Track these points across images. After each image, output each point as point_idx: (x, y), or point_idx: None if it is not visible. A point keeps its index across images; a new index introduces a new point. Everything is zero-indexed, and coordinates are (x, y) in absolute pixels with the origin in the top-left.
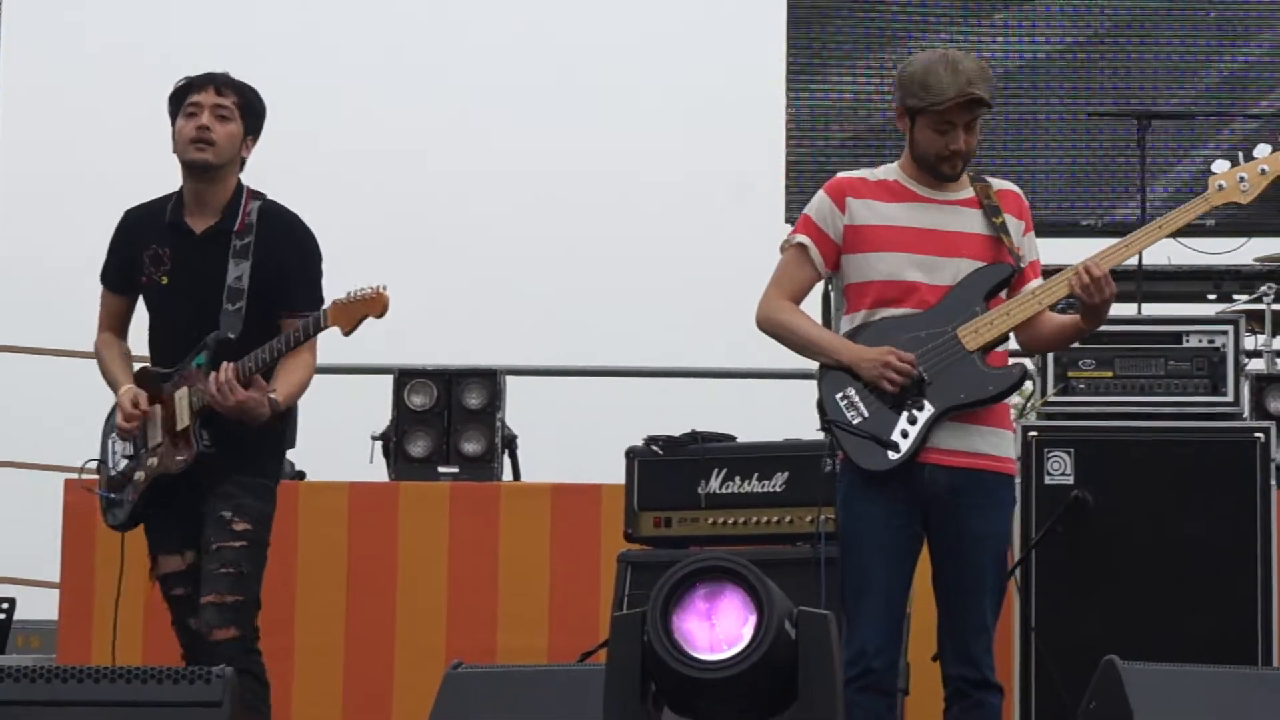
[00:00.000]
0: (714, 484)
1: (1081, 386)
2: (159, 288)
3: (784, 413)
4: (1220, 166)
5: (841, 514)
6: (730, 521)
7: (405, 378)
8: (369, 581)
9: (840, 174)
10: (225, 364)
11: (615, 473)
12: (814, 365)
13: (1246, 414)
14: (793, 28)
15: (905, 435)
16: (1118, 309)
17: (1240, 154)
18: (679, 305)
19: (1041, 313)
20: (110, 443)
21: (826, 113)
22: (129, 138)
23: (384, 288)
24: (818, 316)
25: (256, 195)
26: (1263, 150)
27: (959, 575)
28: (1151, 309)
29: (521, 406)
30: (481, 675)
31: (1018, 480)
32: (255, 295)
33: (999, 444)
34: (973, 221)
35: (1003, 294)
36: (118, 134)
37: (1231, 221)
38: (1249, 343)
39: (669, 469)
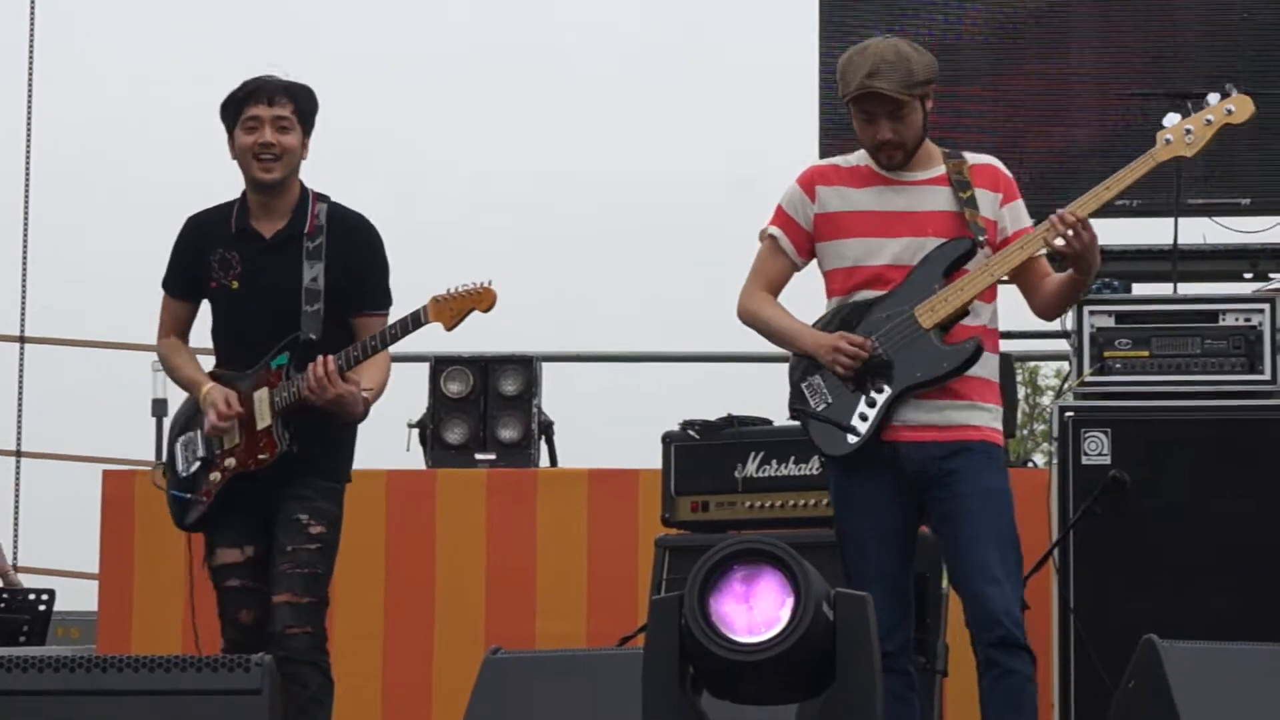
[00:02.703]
0: (751, 468)
1: (1118, 366)
2: (229, 292)
3: None
4: (1169, 120)
5: (833, 500)
6: (767, 505)
7: (441, 365)
8: (407, 569)
9: (815, 162)
10: (325, 357)
11: (652, 458)
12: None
13: None
14: (825, 39)
15: (864, 418)
16: (1153, 289)
17: (1189, 104)
18: (714, 289)
19: (1044, 274)
20: (180, 445)
21: None
22: (161, 132)
23: (490, 282)
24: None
25: (321, 197)
26: (1212, 99)
27: (954, 533)
28: (1187, 288)
29: (558, 392)
30: (520, 661)
31: (1054, 462)
32: (330, 296)
33: (975, 415)
34: (940, 199)
35: (970, 267)
36: (148, 127)
37: (1267, 200)
38: None
39: (705, 453)
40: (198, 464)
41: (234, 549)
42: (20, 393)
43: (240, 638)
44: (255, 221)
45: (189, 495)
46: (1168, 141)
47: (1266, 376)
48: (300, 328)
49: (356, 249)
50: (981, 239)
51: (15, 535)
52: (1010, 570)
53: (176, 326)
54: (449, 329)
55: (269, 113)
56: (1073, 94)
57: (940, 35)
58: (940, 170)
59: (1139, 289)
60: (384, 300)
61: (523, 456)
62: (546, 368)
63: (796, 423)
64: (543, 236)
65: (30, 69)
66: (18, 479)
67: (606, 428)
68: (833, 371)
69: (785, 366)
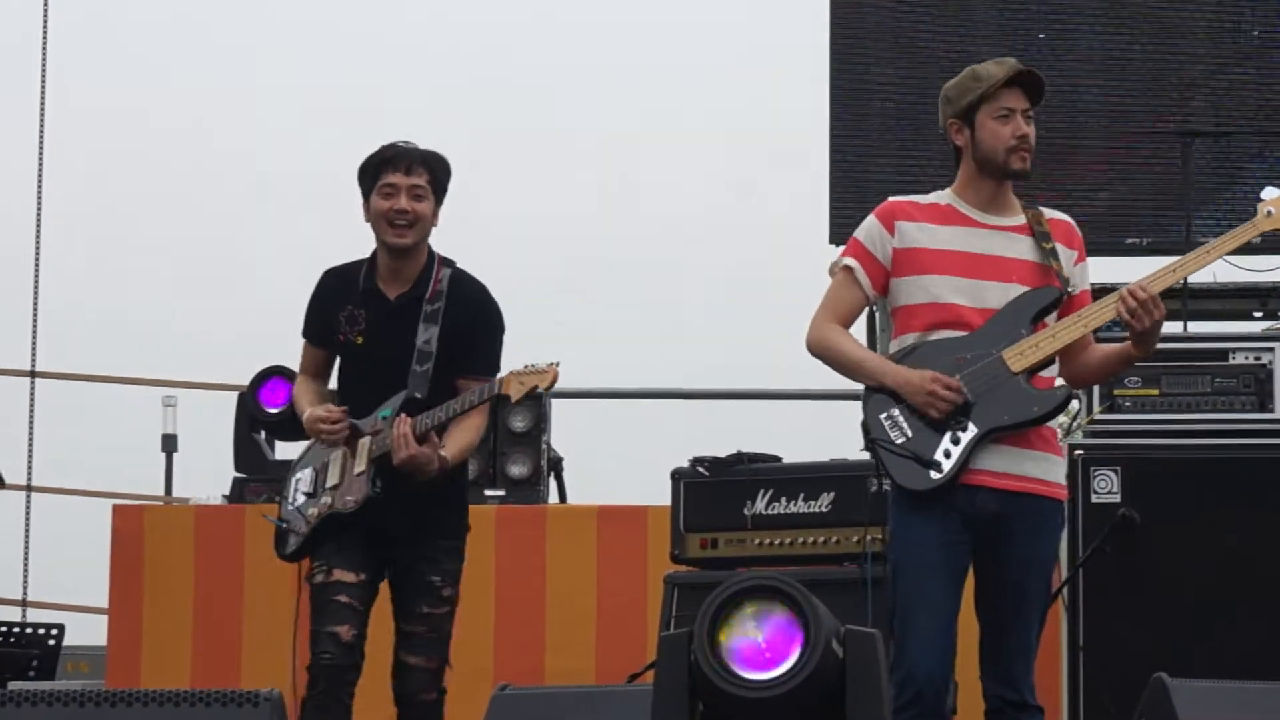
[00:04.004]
0: (760, 505)
1: (1128, 404)
2: (354, 347)
3: (829, 434)
4: (1270, 194)
5: (894, 535)
6: (777, 542)
7: None
8: None
9: (891, 198)
10: (403, 417)
11: (661, 494)
12: (859, 386)
13: None
14: (836, 64)
15: (948, 455)
16: (1164, 327)
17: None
18: (724, 327)
19: (1087, 344)
20: (294, 480)
21: (870, 150)
22: (173, 170)
23: (556, 364)
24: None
25: (447, 263)
26: None
27: (1004, 597)
28: (1197, 327)
29: (567, 429)
30: (529, 697)
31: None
32: (441, 358)
33: (1049, 469)
34: (1023, 248)
35: (1050, 318)
36: (161, 165)
37: (1278, 239)
38: None
39: (715, 490)
40: (303, 498)
41: (351, 572)
42: (31, 427)
43: (335, 651)
44: (382, 282)
45: (289, 525)
46: (1269, 214)
47: (1276, 415)
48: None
49: (470, 315)
50: (1070, 290)
51: (25, 569)
52: (1035, 640)
53: (311, 369)
54: (515, 402)
55: (405, 181)
56: (1080, 131)
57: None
58: (1021, 219)
59: None
60: (490, 367)
61: (532, 493)
62: (556, 404)
63: (806, 460)
64: (551, 273)
65: (42, 105)
66: (28, 513)
67: (616, 464)
68: (924, 412)
69: (793, 405)
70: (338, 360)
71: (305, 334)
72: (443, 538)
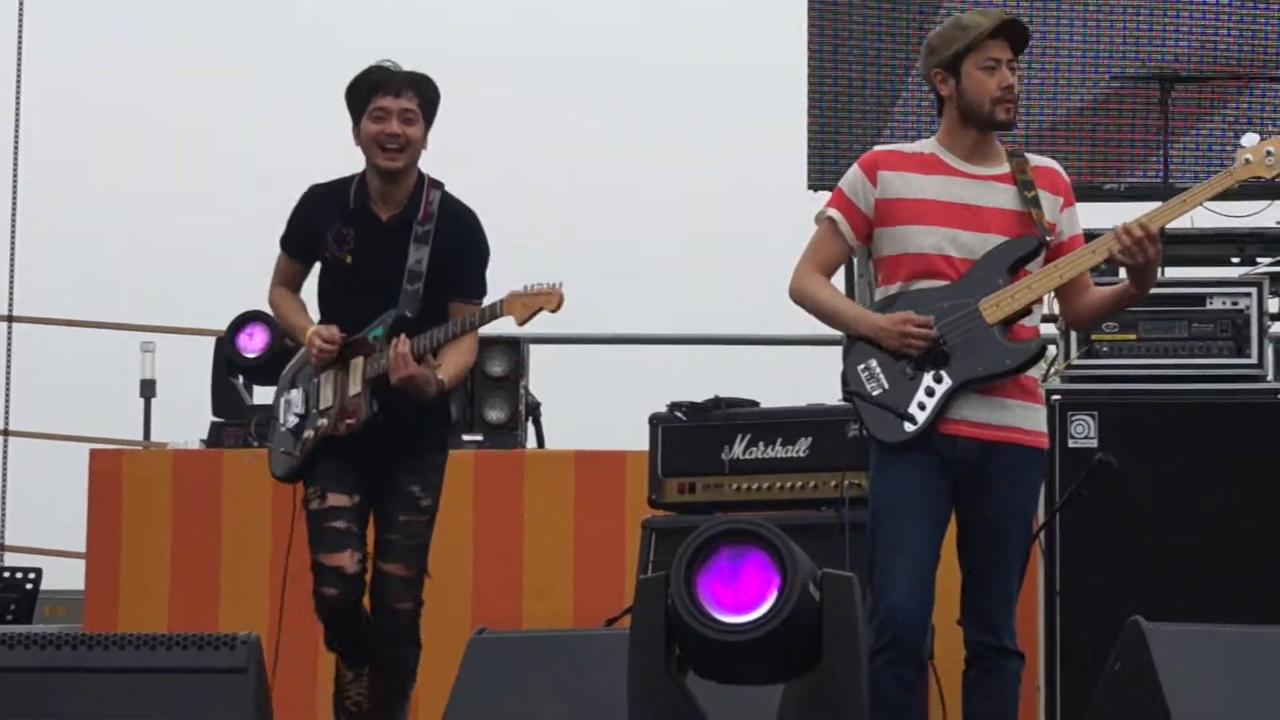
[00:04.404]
0: (738, 449)
1: (1105, 349)
2: (341, 265)
3: (807, 379)
4: (1249, 140)
5: (874, 479)
6: (754, 487)
7: None
8: None
9: (875, 147)
10: (402, 337)
11: (639, 439)
12: (837, 331)
13: (1270, 376)
14: (814, 11)
15: (922, 407)
16: None
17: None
18: (701, 272)
19: (1085, 285)
20: (283, 400)
21: (847, 95)
22: (156, 114)
23: (560, 284)
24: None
25: (436, 184)
26: None
27: (985, 542)
28: (1174, 272)
29: (545, 374)
30: (506, 641)
31: None
32: (431, 279)
33: (1029, 416)
34: (1005, 197)
35: (1030, 267)
36: (143, 107)
37: (1256, 184)
38: (1273, 305)
39: (693, 435)
40: (294, 419)
41: (345, 495)
42: (8, 372)
43: (341, 587)
44: (373, 203)
45: (283, 448)
46: (1247, 161)
47: (1253, 360)
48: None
49: (460, 237)
50: (1048, 239)
51: (2, 513)
52: (1016, 586)
53: (288, 281)
54: (520, 324)
55: (396, 104)
56: (1060, 70)
57: (926, 18)
58: (1005, 168)
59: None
60: (478, 289)
61: (510, 438)
62: (534, 349)
63: (784, 405)
64: (528, 219)
65: (19, 47)
66: (5, 458)
67: (593, 409)
68: (902, 352)
69: (771, 350)
70: (317, 275)
71: (286, 247)
72: (425, 450)
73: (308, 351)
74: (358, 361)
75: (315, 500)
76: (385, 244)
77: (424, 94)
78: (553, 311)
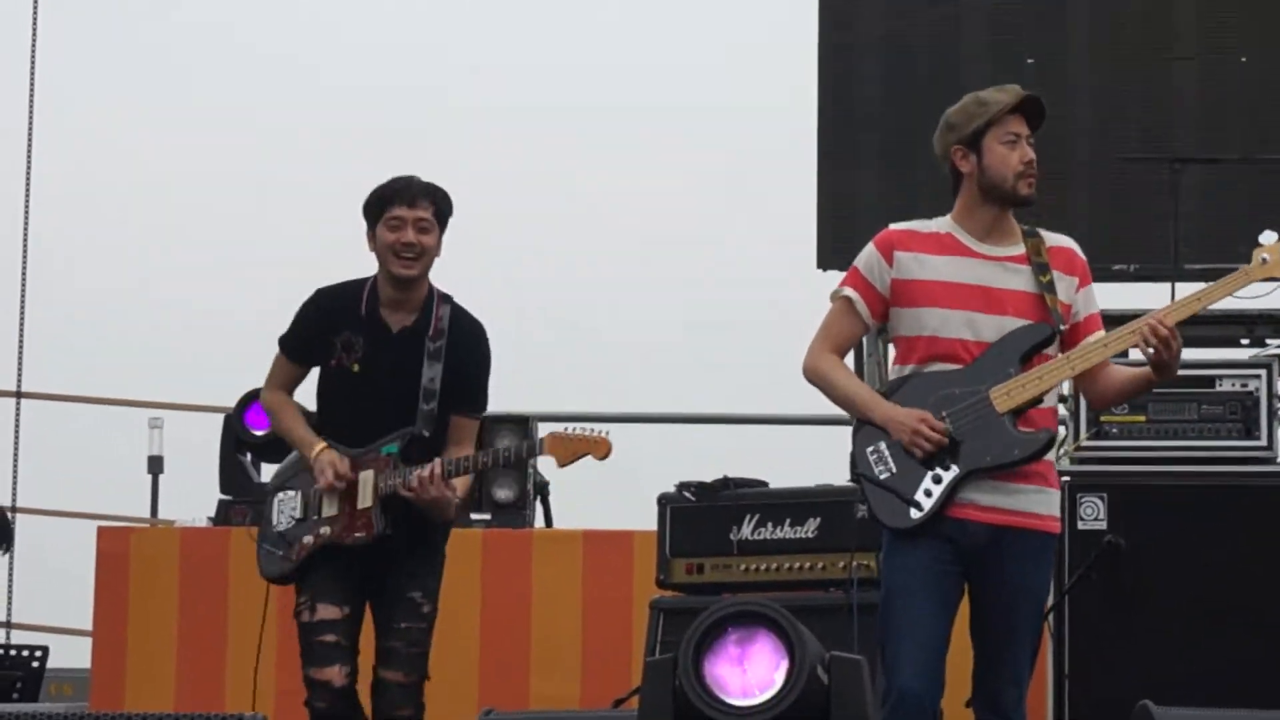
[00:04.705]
0: (746, 530)
1: (1114, 431)
2: (348, 373)
3: (816, 459)
4: (1268, 239)
5: (886, 561)
6: (763, 567)
7: None
8: None
9: (891, 226)
10: (437, 460)
11: (648, 519)
12: (843, 411)
13: None
14: (824, 93)
15: (929, 494)
16: None
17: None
18: (710, 351)
19: (1105, 371)
20: (277, 500)
21: (857, 177)
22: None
23: (606, 433)
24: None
25: (446, 298)
26: None
27: (997, 625)
28: (1184, 353)
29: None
30: None
31: None
32: (442, 396)
33: (1042, 501)
34: (1021, 279)
35: (1049, 351)
36: (150, 184)
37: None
38: None
39: (701, 515)
40: (290, 522)
41: (335, 607)
42: (16, 448)
43: (329, 700)
44: (384, 312)
45: (279, 551)
46: (1264, 261)
47: (1263, 442)
48: (413, 422)
49: (470, 353)
50: (1063, 327)
51: (9, 591)
52: (1028, 669)
53: (286, 384)
54: (560, 466)
55: (411, 214)
56: (1068, 156)
57: (938, 98)
58: (1020, 249)
59: (1135, 353)
60: (481, 404)
61: (518, 517)
62: (543, 427)
63: (793, 485)
64: (538, 296)
65: (30, 121)
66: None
67: (602, 489)
68: (908, 451)
69: (780, 430)
70: (320, 383)
71: (287, 349)
72: (427, 555)
73: (315, 475)
74: (368, 475)
75: (305, 612)
76: (395, 356)
77: (438, 204)
78: (599, 460)
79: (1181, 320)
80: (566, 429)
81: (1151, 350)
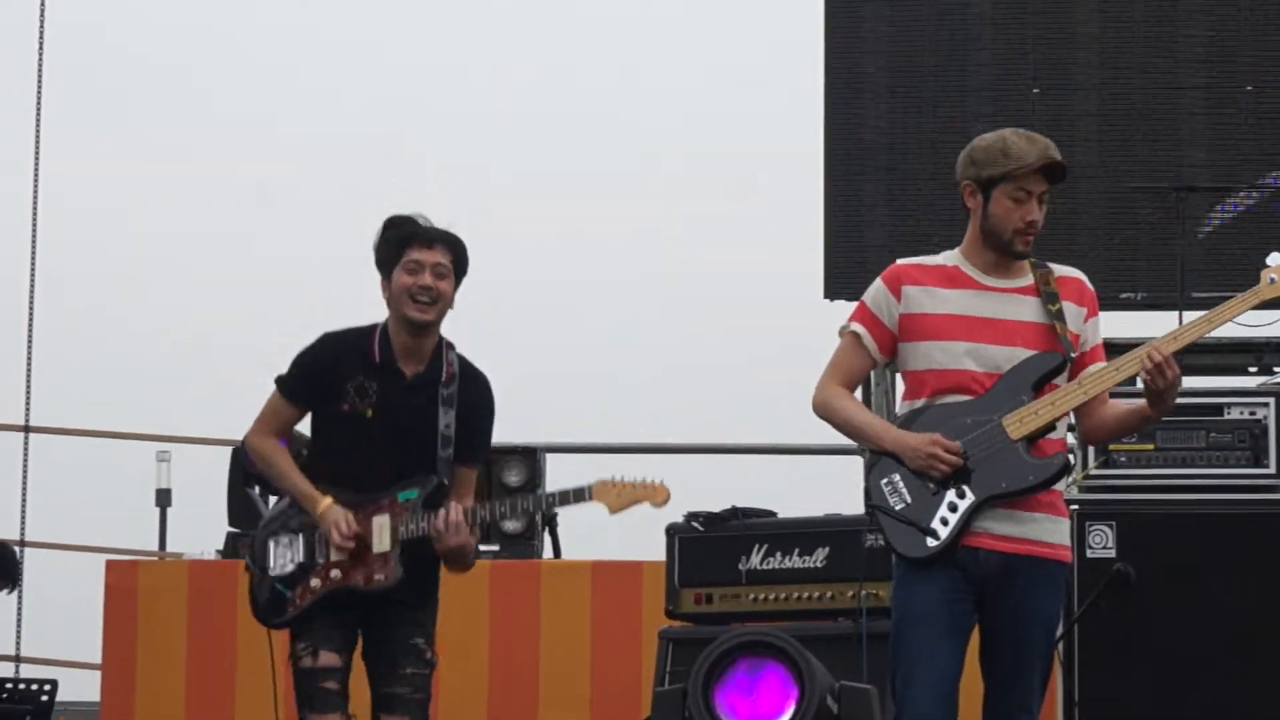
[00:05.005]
0: (755, 560)
1: (1123, 459)
2: (361, 419)
3: (825, 488)
4: (1275, 260)
5: (897, 590)
6: (772, 597)
7: None
8: None
9: (899, 260)
10: (457, 505)
11: (656, 549)
12: (854, 442)
13: None
14: (830, 122)
15: (945, 523)
16: None
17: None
18: (718, 381)
19: (1103, 401)
20: (273, 542)
21: (863, 206)
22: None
23: (662, 482)
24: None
25: (450, 345)
26: None
27: (1008, 654)
28: (1192, 381)
29: (562, 483)
30: None
31: None
32: (455, 443)
33: (1053, 530)
34: (1029, 310)
35: (1059, 381)
36: (157, 213)
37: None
38: None
39: (710, 545)
40: (292, 567)
41: (335, 654)
42: (24, 481)
43: None
44: (397, 358)
45: (286, 595)
46: (1272, 281)
47: (1271, 470)
48: (429, 468)
49: (478, 402)
50: (1073, 355)
51: (18, 624)
52: (1038, 698)
53: (279, 428)
54: (613, 513)
55: (430, 258)
56: (1075, 185)
57: (943, 126)
58: (1028, 280)
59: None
60: (484, 457)
61: (526, 548)
62: (550, 459)
63: (801, 515)
64: (546, 327)
65: (37, 152)
66: (21, 568)
67: (610, 519)
68: (925, 475)
69: (788, 460)
70: (321, 427)
71: (288, 391)
72: (424, 601)
73: (327, 532)
74: (383, 521)
75: (308, 658)
76: (409, 401)
77: (456, 252)
78: (656, 507)
79: (1187, 345)
80: (618, 476)
81: (1149, 377)
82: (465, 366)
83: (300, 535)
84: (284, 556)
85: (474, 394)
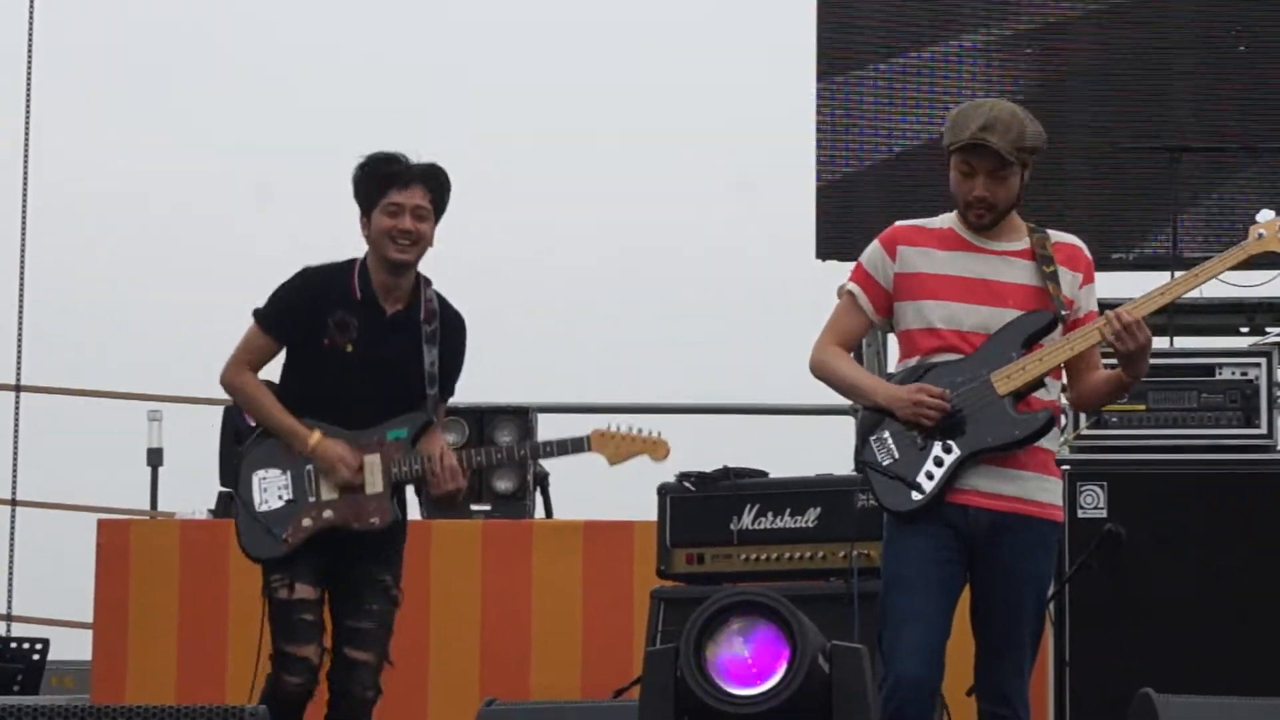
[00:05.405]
0: (746, 520)
1: (1114, 420)
2: (341, 354)
3: (816, 449)
4: (1264, 216)
5: (887, 548)
6: (763, 557)
7: None
8: (402, 619)
9: (898, 222)
10: (449, 450)
11: (648, 509)
12: (845, 400)
13: None
14: (822, 81)
15: (930, 476)
16: (1152, 343)
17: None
18: (710, 341)
19: (1093, 367)
20: (257, 479)
21: (856, 166)
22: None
23: (660, 434)
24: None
25: (428, 281)
26: None
27: (999, 613)
28: (1184, 342)
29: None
30: (514, 712)
31: None
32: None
33: (1044, 489)
34: (1023, 272)
35: (1045, 341)
36: (150, 176)
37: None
38: None
39: (701, 505)
40: (280, 503)
41: (310, 587)
42: (16, 441)
43: (307, 677)
44: (377, 295)
45: (276, 532)
46: (1260, 236)
47: (1263, 430)
48: (408, 406)
49: (456, 340)
50: (1064, 314)
51: (10, 584)
52: (1030, 657)
53: (256, 361)
54: (612, 464)
55: (410, 200)
56: (1067, 145)
57: (936, 87)
58: (1024, 244)
59: None
60: (452, 393)
61: (518, 508)
62: (542, 418)
63: (793, 475)
64: (538, 286)
65: (28, 110)
66: (12, 527)
67: (602, 479)
68: (915, 424)
69: (780, 420)
70: (297, 362)
71: (268, 325)
72: (393, 537)
73: (322, 467)
74: (374, 460)
75: (283, 590)
76: (389, 337)
77: (435, 188)
78: (655, 461)
79: (1179, 295)
80: (616, 427)
81: (1114, 339)
82: (444, 304)
83: (287, 472)
84: (269, 493)
85: (453, 331)
